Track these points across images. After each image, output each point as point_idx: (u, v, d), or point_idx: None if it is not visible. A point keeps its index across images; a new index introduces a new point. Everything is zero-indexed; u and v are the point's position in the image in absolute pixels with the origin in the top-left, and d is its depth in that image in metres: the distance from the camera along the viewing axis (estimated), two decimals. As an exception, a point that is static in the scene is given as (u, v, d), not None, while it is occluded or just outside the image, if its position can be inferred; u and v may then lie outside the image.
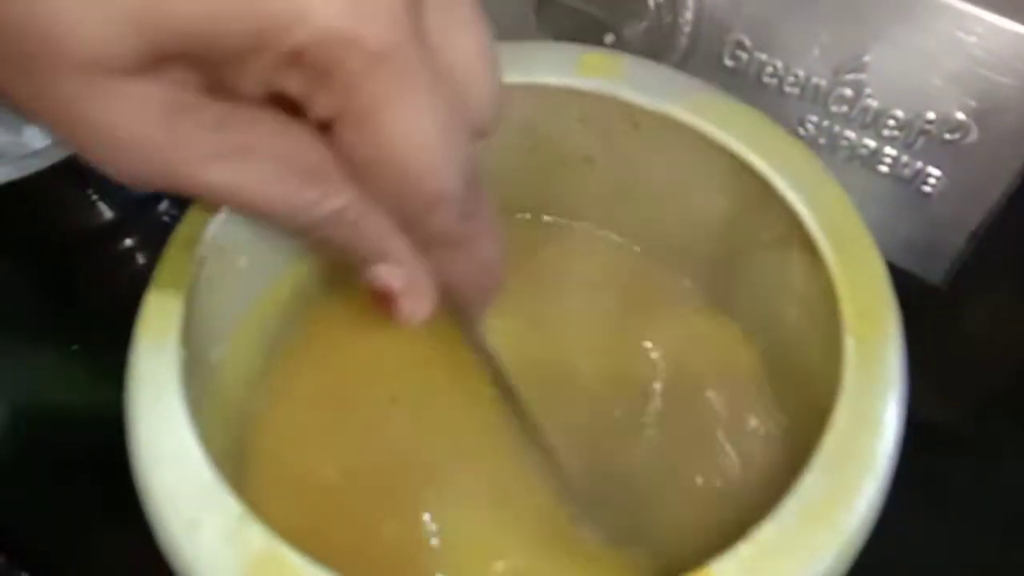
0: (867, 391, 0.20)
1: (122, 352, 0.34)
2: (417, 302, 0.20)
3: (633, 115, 0.25)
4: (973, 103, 0.27)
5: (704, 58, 0.31)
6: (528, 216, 0.30)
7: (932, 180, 0.28)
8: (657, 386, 0.27)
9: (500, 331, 0.25)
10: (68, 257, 0.36)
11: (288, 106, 0.16)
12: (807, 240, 0.23)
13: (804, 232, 0.23)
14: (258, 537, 0.18)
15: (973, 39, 0.26)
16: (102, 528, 0.29)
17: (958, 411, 0.21)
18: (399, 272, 0.19)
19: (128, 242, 0.37)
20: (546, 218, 0.30)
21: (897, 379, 0.20)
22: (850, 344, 0.21)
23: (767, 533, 0.18)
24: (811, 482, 0.19)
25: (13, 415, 0.33)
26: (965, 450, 0.21)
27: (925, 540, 0.20)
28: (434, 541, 0.24)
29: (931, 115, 0.27)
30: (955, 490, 0.21)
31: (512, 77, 0.25)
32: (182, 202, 0.38)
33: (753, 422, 0.26)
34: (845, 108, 0.29)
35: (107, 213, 0.36)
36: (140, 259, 0.37)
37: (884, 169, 0.29)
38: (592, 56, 0.26)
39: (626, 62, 0.26)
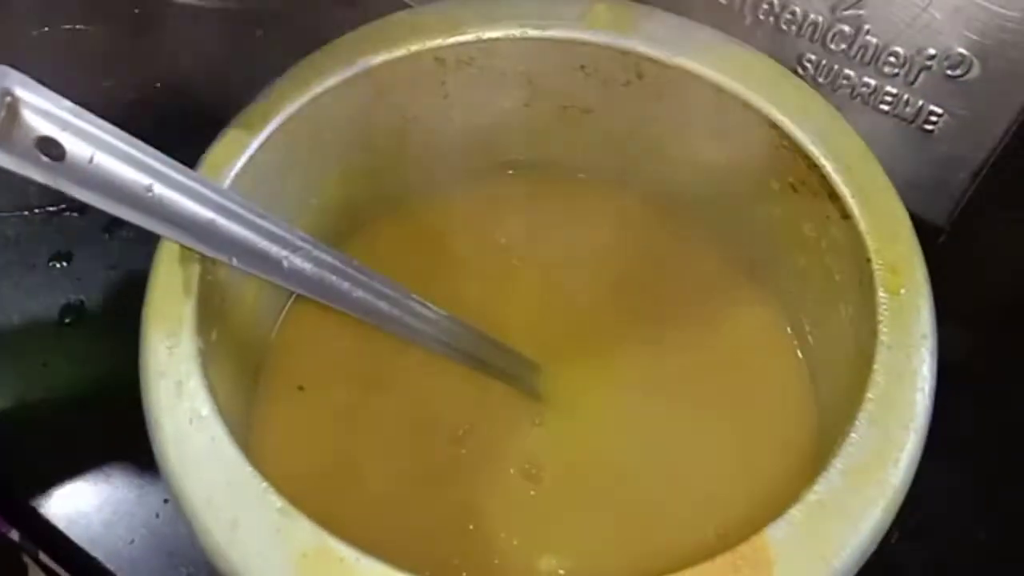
0: (903, 344, 0.20)
1: (112, 324, 0.33)
2: None
3: (638, 65, 0.25)
4: (975, 37, 0.26)
5: (695, -7, 0.30)
6: (525, 170, 0.30)
7: (934, 118, 0.28)
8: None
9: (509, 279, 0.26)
10: (55, 226, 0.35)
11: None
12: (831, 192, 0.22)
13: (828, 185, 0.23)
14: (304, 530, 0.17)
15: (975, -30, 0.25)
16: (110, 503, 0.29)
17: (960, 350, 0.22)
18: None
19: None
20: (543, 171, 0.30)
21: (931, 331, 0.20)
22: (883, 298, 0.21)
23: (817, 494, 0.18)
24: (856, 439, 0.19)
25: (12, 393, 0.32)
26: (968, 389, 0.21)
27: (929, 478, 0.20)
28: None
29: (932, 51, 0.27)
30: (957, 428, 0.21)
31: (514, 28, 0.25)
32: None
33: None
34: (844, 45, 0.28)
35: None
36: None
37: (885, 108, 0.29)
38: (602, 7, 0.25)
39: (638, 13, 0.25)
